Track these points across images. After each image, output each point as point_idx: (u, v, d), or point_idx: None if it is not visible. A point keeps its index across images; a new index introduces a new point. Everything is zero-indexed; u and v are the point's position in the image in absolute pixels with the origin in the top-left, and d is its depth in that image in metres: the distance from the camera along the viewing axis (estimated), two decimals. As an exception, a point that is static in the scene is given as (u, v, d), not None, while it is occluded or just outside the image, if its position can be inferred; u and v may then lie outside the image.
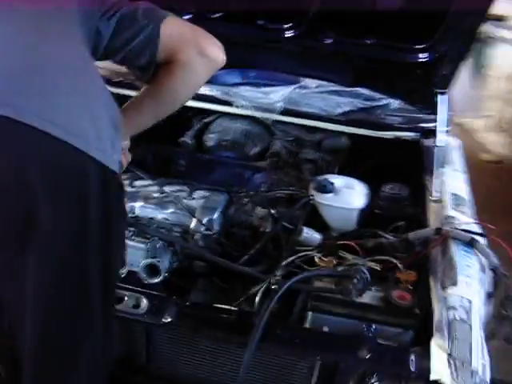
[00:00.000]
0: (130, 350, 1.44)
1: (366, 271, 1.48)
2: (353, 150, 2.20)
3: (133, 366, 1.47)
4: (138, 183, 1.93)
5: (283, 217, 1.84)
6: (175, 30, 1.38)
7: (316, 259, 1.64)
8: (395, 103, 2.14)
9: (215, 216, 1.81)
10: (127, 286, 1.45)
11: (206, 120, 2.33)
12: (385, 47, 1.88)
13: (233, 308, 1.43)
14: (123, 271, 1.68)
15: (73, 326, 1.17)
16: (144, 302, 1.42)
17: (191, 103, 2.21)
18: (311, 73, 2.09)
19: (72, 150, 1.03)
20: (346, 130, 2.13)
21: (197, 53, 1.36)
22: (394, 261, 1.64)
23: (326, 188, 1.85)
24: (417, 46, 1.86)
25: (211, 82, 2.18)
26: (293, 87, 2.14)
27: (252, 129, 2.26)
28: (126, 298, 1.42)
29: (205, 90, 2.18)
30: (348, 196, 1.87)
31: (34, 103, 1.01)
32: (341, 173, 2.11)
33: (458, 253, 1.56)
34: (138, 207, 1.83)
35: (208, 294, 1.72)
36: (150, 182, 1.91)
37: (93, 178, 1.08)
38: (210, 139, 2.26)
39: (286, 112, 2.14)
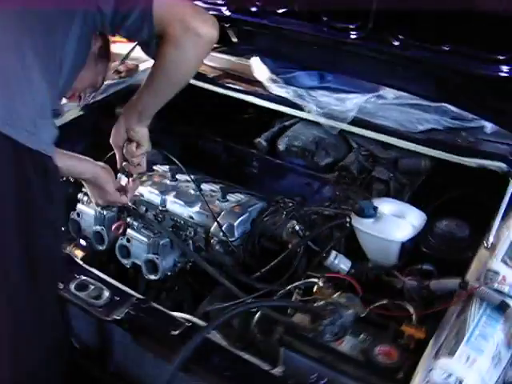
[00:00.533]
0: (87, 338, 1.41)
1: (344, 314, 1.24)
2: (432, 175, 1.88)
3: (91, 356, 1.43)
4: (179, 177, 1.89)
5: (309, 236, 1.65)
6: (165, 4, 1.31)
7: (315, 289, 1.43)
8: (490, 126, 1.78)
9: (236, 222, 1.69)
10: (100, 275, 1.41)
11: (284, 123, 2.19)
12: (464, 56, 1.55)
13: (188, 321, 1.31)
14: (127, 262, 1.66)
15: None
16: (105, 295, 1.37)
17: (262, 103, 2.11)
18: (387, 81, 1.82)
19: None
20: (423, 151, 1.82)
21: (182, 28, 1.30)
22: (411, 310, 1.36)
23: (364, 212, 1.60)
24: (502, 57, 1.51)
25: (288, 82, 2.07)
26: (368, 96, 1.90)
27: (327, 138, 2.06)
28: (90, 287, 1.39)
29: (280, 91, 2.05)
30: (390, 225, 1.59)
31: None
32: (415, 199, 1.83)
33: (477, 316, 1.23)
34: (169, 201, 1.79)
35: (224, 302, 1.61)
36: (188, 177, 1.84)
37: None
38: (282, 143, 2.12)
39: (357, 123, 1.90)
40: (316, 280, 1.47)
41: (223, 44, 2.22)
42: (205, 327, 1.20)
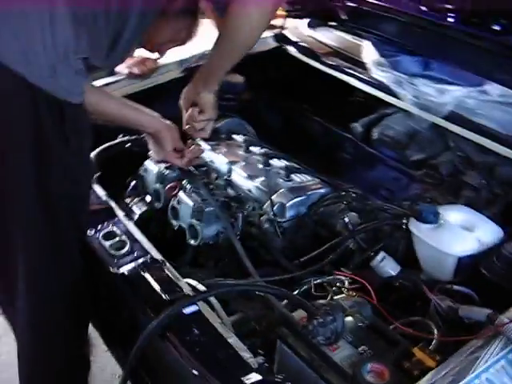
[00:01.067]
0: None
1: (339, 318, 1.12)
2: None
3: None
4: (252, 148, 1.85)
5: (357, 231, 1.52)
6: None
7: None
8: None
9: (289, 203, 1.61)
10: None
11: (386, 110, 2.03)
12: None
13: (193, 288, 1.29)
14: (176, 224, 1.68)
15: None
16: (126, 248, 1.39)
17: (360, 86, 1.98)
18: (489, 73, 1.57)
19: None
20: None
21: None
22: (435, 332, 1.19)
23: (422, 216, 1.43)
24: None
25: (393, 67, 1.91)
26: (470, 90, 1.67)
27: (423, 132, 1.87)
28: (116, 239, 1.42)
29: (380, 75, 1.90)
30: (450, 236, 1.40)
31: None
32: (506, 214, 1.60)
33: (493, 358, 1.04)
34: (234, 171, 1.76)
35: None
36: (260, 150, 1.80)
37: (14, 92, 1.13)
38: (376, 132, 1.97)
39: (453, 118, 1.69)
40: (340, 277, 1.35)
41: (334, 20, 2.11)
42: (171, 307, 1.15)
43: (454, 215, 1.46)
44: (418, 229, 1.43)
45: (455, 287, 1.26)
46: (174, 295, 1.23)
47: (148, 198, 1.80)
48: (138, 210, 1.80)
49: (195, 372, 1.08)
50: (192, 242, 1.61)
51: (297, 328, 1.19)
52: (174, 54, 2.02)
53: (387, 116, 1.99)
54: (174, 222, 1.68)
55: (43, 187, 1.23)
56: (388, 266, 1.44)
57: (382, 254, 1.46)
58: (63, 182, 1.27)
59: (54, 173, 1.24)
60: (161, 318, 1.12)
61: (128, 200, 1.84)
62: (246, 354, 1.14)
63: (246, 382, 1.04)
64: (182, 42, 1.66)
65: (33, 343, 1.47)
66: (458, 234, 1.41)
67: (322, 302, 1.17)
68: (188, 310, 1.19)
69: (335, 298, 1.21)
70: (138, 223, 1.77)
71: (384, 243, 1.52)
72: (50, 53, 1.15)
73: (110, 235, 1.43)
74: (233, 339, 1.18)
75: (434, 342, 1.17)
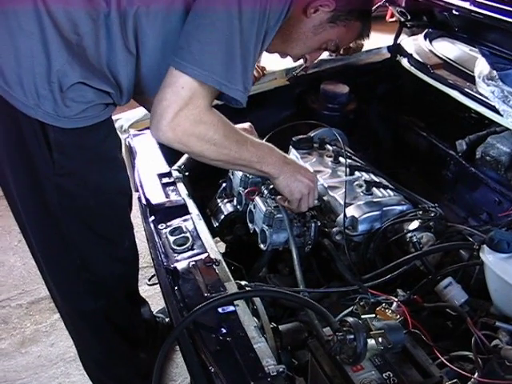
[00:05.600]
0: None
1: (361, 338, 1.09)
2: None
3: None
4: (342, 160, 1.83)
5: (423, 252, 1.44)
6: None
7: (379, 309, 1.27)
8: None
9: (361, 217, 1.57)
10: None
11: (495, 128, 1.88)
12: None
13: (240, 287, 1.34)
14: (251, 227, 1.72)
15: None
16: (187, 244, 1.46)
17: (464, 100, 1.86)
18: None
19: None
20: None
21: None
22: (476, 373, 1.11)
23: (494, 244, 1.31)
24: None
25: (503, 81, 1.78)
26: None
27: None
28: (181, 235, 1.50)
29: (485, 90, 1.78)
30: (521, 268, 1.28)
31: None
32: None
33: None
34: (318, 180, 1.77)
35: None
36: (349, 162, 1.78)
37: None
38: (479, 150, 1.84)
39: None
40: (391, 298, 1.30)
41: (446, 31, 2.01)
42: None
43: (535, 246, 1.32)
44: (488, 257, 1.32)
45: (499, 324, 1.14)
46: (214, 293, 1.27)
47: (235, 201, 1.87)
48: (225, 210, 1.88)
49: (212, 369, 1.11)
50: (262, 246, 1.65)
51: (322, 342, 1.17)
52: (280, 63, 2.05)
53: (493, 134, 1.84)
54: (250, 225, 1.73)
55: (40, 197, 1.36)
56: (453, 292, 1.36)
57: (448, 280, 1.38)
58: (54, 197, 1.35)
59: (45, 188, 1.34)
60: (184, 320, 1.17)
61: (219, 200, 1.93)
62: (270, 361, 1.15)
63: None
64: (336, 49, 1.50)
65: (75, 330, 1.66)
66: (532, 267, 1.27)
67: (349, 319, 1.13)
68: (224, 310, 1.23)
69: (365, 316, 1.17)
70: (223, 223, 1.89)
71: (458, 269, 1.44)
72: (39, 80, 1.20)
73: (176, 231, 1.51)
74: (260, 344, 1.19)
75: (471, 381, 1.08)
